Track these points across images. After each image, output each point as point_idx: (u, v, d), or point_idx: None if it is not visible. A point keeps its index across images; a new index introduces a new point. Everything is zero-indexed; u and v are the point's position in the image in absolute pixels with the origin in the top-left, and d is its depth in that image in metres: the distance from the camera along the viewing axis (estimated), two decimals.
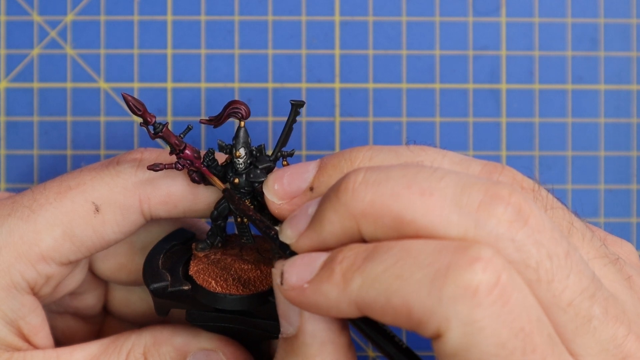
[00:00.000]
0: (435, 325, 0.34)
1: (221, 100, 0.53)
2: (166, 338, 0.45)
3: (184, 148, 0.42)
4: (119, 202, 0.44)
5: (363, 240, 0.37)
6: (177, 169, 0.43)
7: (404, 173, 0.36)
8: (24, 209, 0.44)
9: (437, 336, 0.34)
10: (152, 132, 0.42)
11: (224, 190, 0.42)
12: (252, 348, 0.45)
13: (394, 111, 0.54)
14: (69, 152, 0.54)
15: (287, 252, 0.39)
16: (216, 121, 0.43)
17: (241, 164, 0.43)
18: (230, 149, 0.43)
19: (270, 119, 0.54)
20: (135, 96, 0.53)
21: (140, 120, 0.42)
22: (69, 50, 0.54)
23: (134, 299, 0.50)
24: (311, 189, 0.40)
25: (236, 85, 0.54)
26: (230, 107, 0.42)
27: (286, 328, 0.40)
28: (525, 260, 0.35)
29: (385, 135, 0.54)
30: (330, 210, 0.37)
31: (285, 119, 0.43)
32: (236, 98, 0.54)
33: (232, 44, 0.54)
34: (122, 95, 0.42)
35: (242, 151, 0.42)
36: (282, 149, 0.43)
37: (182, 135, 0.43)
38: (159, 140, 0.53)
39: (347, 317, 0.37)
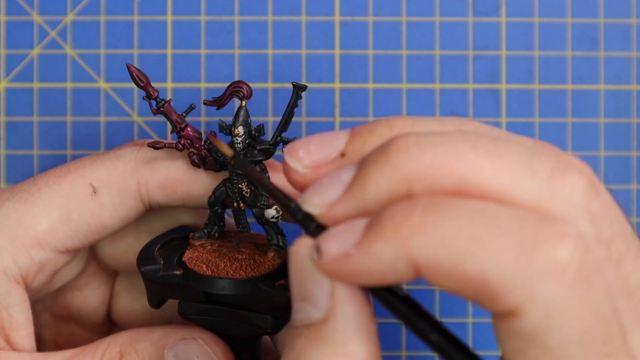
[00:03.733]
0: (513, 301, 0.30)
1: None
2: (143, 334, 0.43)
3: (185, 127, 0.42)
4: (117, 184, 0.43)
5: None
6: (178, 149, 0.42)
7: (464, 137, 0.32)
8: (23, 193, 0.43)
9: (512, 314, 0.30)
10: (154, 107, 0.42)
11: (233, 157, 0.39)
12: (244, 346, 0.44)
13: (394, 111, 0.54)
14: (69, 152, 0.54)
15: (311, 226, 0.34)
16: (219, 101, 0.43)
17: (239, 142, 0.42)
18: (229, 129, 0.42)
19: (270, 119, 0.54)
20: (135, 97, 0.53)
21: (143, 95, 0.42)
22: (69, 50, 0.54)
23: (137, 308, 0.49)
24: (342, 155, 0.35)
25: None
26: (232, 87, 0.42)
27: (310, 313, 0.34)
28: (598, 235, 0.32)
29: None
30: (378, 172, 0.32)
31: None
32: None
33: (232, 44, 0.54)
34: (126, 65, 0.41)
35: (240, 129, 0.42)
36: (283, 135, 0.43)
37: (184, 114, 0.42)
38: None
39: (398, 281, 0.32)
